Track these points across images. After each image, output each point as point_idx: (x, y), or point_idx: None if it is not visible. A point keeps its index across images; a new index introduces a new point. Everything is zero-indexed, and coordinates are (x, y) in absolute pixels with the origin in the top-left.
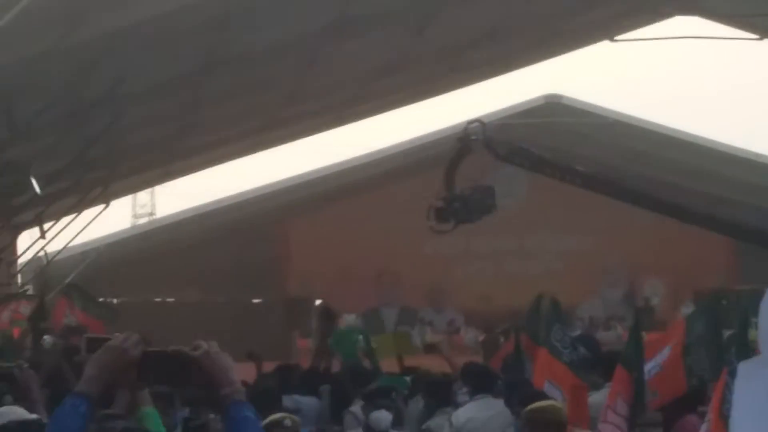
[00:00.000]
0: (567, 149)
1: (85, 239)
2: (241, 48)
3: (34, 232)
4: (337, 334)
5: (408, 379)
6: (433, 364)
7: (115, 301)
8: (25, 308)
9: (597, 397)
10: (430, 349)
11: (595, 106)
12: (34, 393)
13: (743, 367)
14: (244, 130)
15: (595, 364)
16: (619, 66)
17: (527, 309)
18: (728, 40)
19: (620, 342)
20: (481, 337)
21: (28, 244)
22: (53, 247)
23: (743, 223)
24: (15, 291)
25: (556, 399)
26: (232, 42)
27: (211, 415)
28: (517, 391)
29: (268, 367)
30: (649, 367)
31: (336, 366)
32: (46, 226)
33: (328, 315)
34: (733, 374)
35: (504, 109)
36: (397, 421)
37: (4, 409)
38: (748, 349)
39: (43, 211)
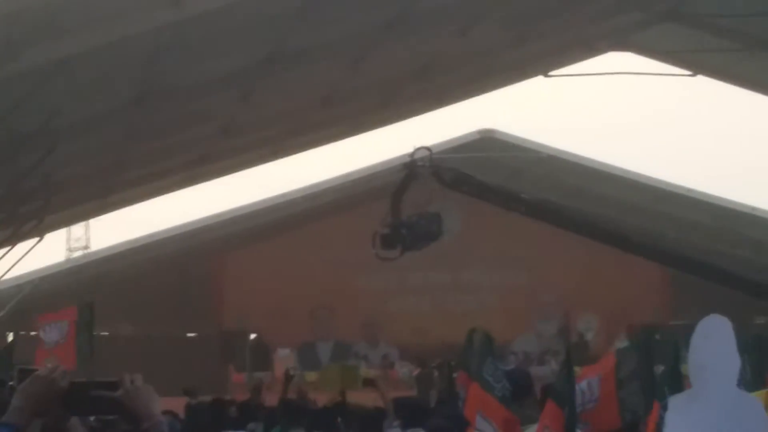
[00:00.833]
0: (501, 184)
1: (19, 272)
2: (175, 81)
3: None
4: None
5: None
6: (369, 399)
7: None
8: None
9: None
10: (368, 383)
11: (529, 141)
12: None
13: (674, 401)
14: (180, 163)
15: (528, 395)
16: (553, 101)
17: (463, 344)
18: (662, 76)
19: (554, 377)
20: (415, 372)
21: None
22: None
23: (683, 253)
24: None
25: None
26: (167, 75)
27: None
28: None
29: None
30: (583, 399)
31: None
32: None
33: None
34: (665, 408)
35: (438, 144)
36: None
37: None
38: (680, 384)
39: None
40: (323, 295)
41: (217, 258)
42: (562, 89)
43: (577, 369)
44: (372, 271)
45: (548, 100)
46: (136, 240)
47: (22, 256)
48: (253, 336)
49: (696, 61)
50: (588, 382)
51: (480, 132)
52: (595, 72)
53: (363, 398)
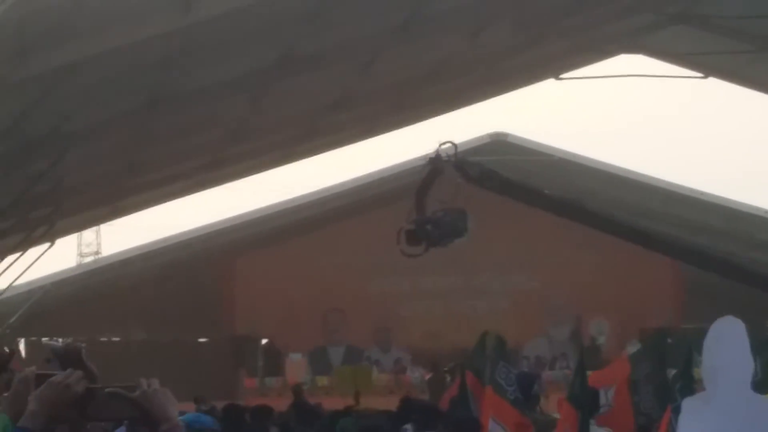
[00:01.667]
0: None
1: (30, 278)
2: (186, 85)
3: None
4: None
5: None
6: (382, 403)
7: (60, 340)
8: None
9: None
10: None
11: (541, 144)
12: None
13: (687, 404)
14: (191, 168)
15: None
16: (565, 104)
17: (473, 347)
18: (673, 78)
19: (567, 380)
20: (427, 376)
21: None
22: None
23: (705, 249)
24: None
25: None
26: (178, 79)
27: None
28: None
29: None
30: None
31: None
32: None
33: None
34: (677, 411)
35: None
36: None
37: None
38: (692, 387)
39: None
40: (335, 299)
41: (229, 263)
42: (573, 92)
43: (588, 373)
44: (384, 275)
45: (559, 102)
46: (147, 245)
47: (34, 261)
48: (264, 341)
49: (707, 63)
50: (604, 392)
51: (491, 135)
52: (606, 74)
53: (376, 402)
